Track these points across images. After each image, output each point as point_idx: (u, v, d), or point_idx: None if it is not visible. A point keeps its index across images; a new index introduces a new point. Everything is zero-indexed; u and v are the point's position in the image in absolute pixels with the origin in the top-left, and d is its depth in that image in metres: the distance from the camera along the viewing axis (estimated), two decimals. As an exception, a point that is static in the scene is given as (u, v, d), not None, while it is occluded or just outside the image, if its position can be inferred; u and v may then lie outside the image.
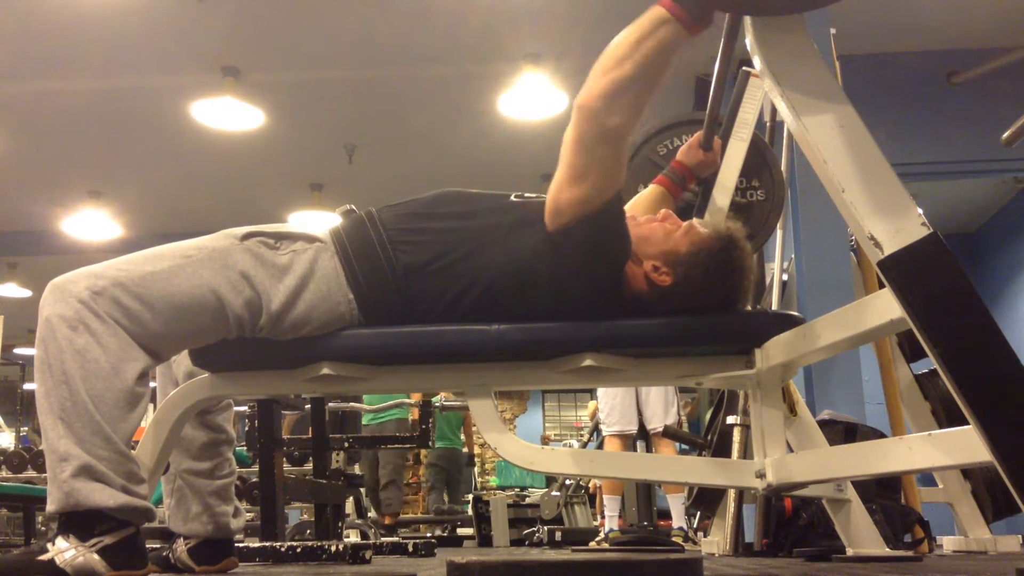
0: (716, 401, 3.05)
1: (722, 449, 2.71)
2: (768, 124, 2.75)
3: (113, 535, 1.40)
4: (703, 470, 1.77)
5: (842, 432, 2.76)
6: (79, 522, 1.39)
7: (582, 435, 7.52)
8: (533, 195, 1.69)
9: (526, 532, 6.23)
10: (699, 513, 3.77)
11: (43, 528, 8.09)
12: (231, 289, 1.51)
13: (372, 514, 6.39)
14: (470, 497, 8.10)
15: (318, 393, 2.80)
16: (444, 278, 1.58)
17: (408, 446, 7.97)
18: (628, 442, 4.20)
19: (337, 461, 3.67)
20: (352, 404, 4.60)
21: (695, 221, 1.68)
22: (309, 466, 4.21)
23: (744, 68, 2.25)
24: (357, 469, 5.42)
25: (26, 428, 9.81)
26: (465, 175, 7.56)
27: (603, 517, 4.62)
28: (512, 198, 1.67)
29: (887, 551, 2.01)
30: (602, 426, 4.29)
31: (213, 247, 1.54)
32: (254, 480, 3.69)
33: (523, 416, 15.30)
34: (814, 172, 1.21)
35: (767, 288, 3.28)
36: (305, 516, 5.98)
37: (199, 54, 5.65)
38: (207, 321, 1.52)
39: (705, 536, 3.23)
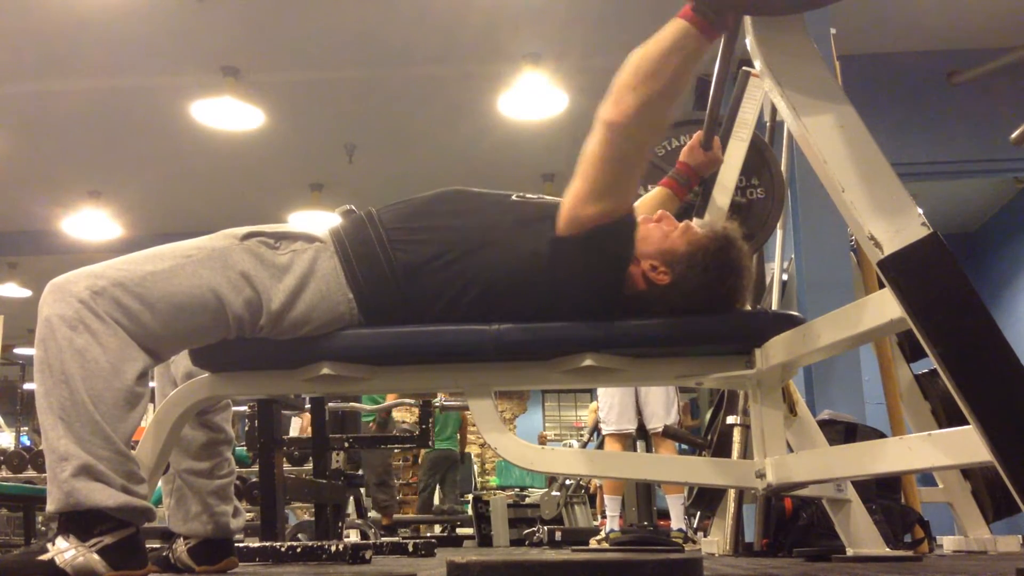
0: (716, 401, 3.05)
1: (722, 449, 2.71)
2: (768, 124, 2.75)
3: (113, 535, 1.40)
4: (703, 470, 1.77)
5: (842, 432, 2.75)
6: (79, 522, 1.39)
7: (582, 435, 7.52)
8: (534, 196, 1.69)
9: (526, 532, 6.24)
10: (699, 513, 3.77)
11: (43, 528, 8.09)
12: (231, 289, 1.51)
13: (372, 514, 6.40)
14: (470, 497, 8.12)
15: (318, 393, 2.80)
16: (443, 277, 1.58)
17: (408, 446, 8.02)
18: (628, 442, 4.20)
19: (337, 461, 3.67)
20: (352, 404, 4.60)
21: (691, 222, 1.68)
22: (308, 466, 4.21)
23: (744, 68, 2.25)
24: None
25: (26, 428, 9.81)
26: (465, 175, 7.55)
27: (603, 517, 4.62)
28: (513, 198, 1.67)
29: (887, 551, 2.01)
30: (602, 425, 4.29)
31: (213, 247, 1.54)
32: (254, 480, 3.69)
33: (523, 416, 15.30)
34: (814, 172, 1.21)
35: (767, 288, 3.28)
36: (302, 516, 5.97)
37: (199, 54, 5.65)
38: (207, 321, 1.53)
39: (705, 536, 3.23)
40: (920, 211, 1.11)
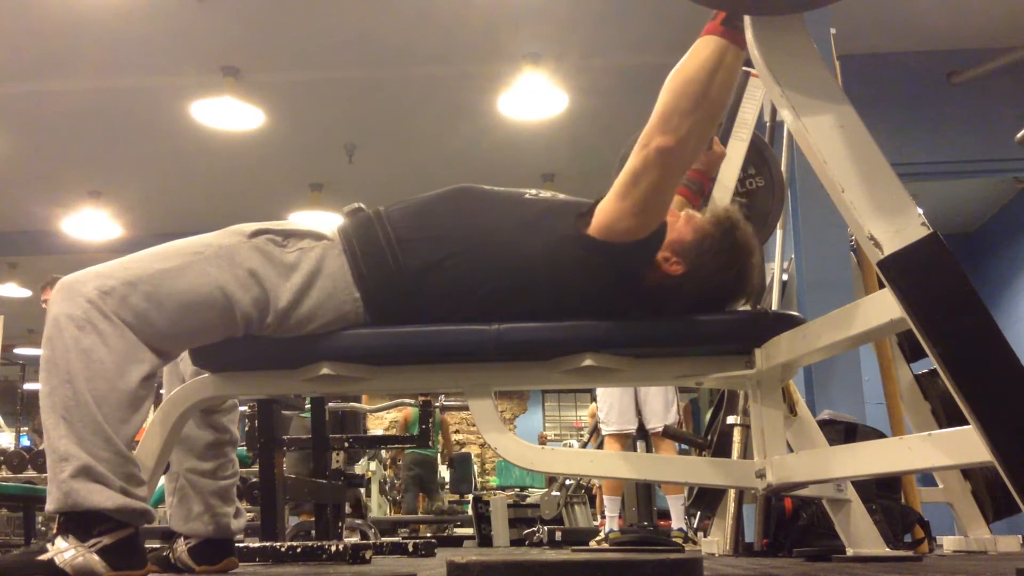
0: (716, 401, 3.05)
1: (722, 449, 2.71)
2: (768, 124, 2.75)
3: (112, 535, 1.40)
4: (703, 470, 1.77)
5: (842, 432, 2.75)
6: (78, 522, 1.39)
7: (582, 435, 7.52)
8: (548, 193, 1.69)
9: (526, 532, 6.23)
10: (699, 513, 3.77)
11: (43, 528, 8.09)
12: (239, 287, 1.51)
13: (373, 513, 6.40)
14: (470, 497, 8.14)
15: (318, 393, 2.79)
16: (452, 276, 1.57)
17: (408, 446, 8.05)
18: (627, 442, 4.20)
19: (337, 461, 3.67)
20: (352, 404, 4.60)
21: (690, 210, 1.68)
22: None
23: (744, 68, 2.24)
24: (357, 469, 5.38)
25: (26, 428, 9.81)
26: (465, 175, 7.49)
27: (603, 517, 4.62)
28: (526, 196, 1.66)
29: (887, 551, 2.01)
30: (601, 425, 4.29)
31: (221, 244, 1.54)
32: (254, 480, 3.70)
33: (523, 416, 15.30)
34: (814, 172, 1.21)
35: (767, 288, 3.28)
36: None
37: (199, 54, 5.65)
38: (215, 319, 1.53)
39: (705, 536, 3.23)
40: (920, 211, 1.11)
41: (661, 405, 4.16)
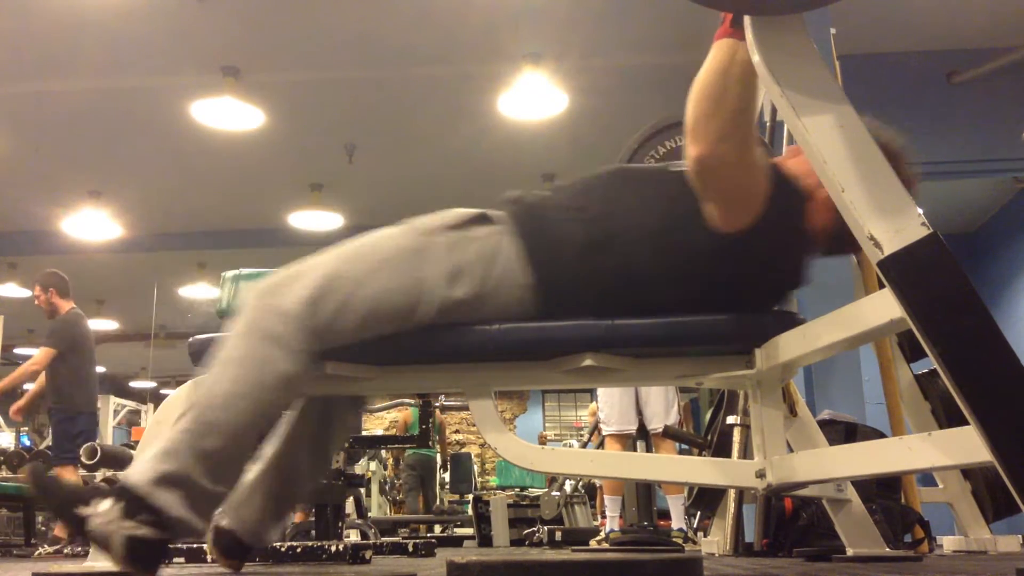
0: (716, 401, 3.05)
1: (722, 449, 2.71)
2: (768, 124, 2.75)
3: (152, 531, 1.37)
4: (703, 470, 1.77)
5: (842, 432, 2.75)
6: (137, 503, 1.37)
7: (582, 435, 7.52)
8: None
9: (526, 532, 6.23)
10: (699, 513, 3.77)
11: (43, 528, 8.10)
12: (425, 290, 1.52)
13: (373, 513, 6.40)
14: (470, 497, 8.15)
15: (320, 393, 2.79)
16: (618, 261, 1.56)
17: (408, 446, 8.06)
18: (628, 442, 4.20)
19: (337, 461, 3.67)
20: (352, 404, 4.59)
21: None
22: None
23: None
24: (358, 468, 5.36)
25: (26, 428, 9.80)
26: (465, 175, 7.57)
27: (603, 517, 4.62)
28: (672, 169, 1.65)
29: (887, 551, 2.01)
30: (602, 426, 4.29)
31: (406, 247, 1.55)
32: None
33: (523, 416, 15.31)
34: (814, 172, 1.21)
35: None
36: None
37: (199, 54, 5.66)
38: (396, 317, 1.53)
39: (705, 536, 3.23)
40: (920, 211, 1.11)
41: (661, 405, 4.16)
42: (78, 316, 5.72)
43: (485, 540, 6.71)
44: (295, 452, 1.78)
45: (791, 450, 1.70)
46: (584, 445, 6.40)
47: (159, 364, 11.59)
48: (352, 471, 4.55)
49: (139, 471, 1.37)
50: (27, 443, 9.10)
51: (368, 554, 2.45)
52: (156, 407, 1.74)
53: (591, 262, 1.56)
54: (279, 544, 2.36)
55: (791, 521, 2.63)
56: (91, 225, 7.84)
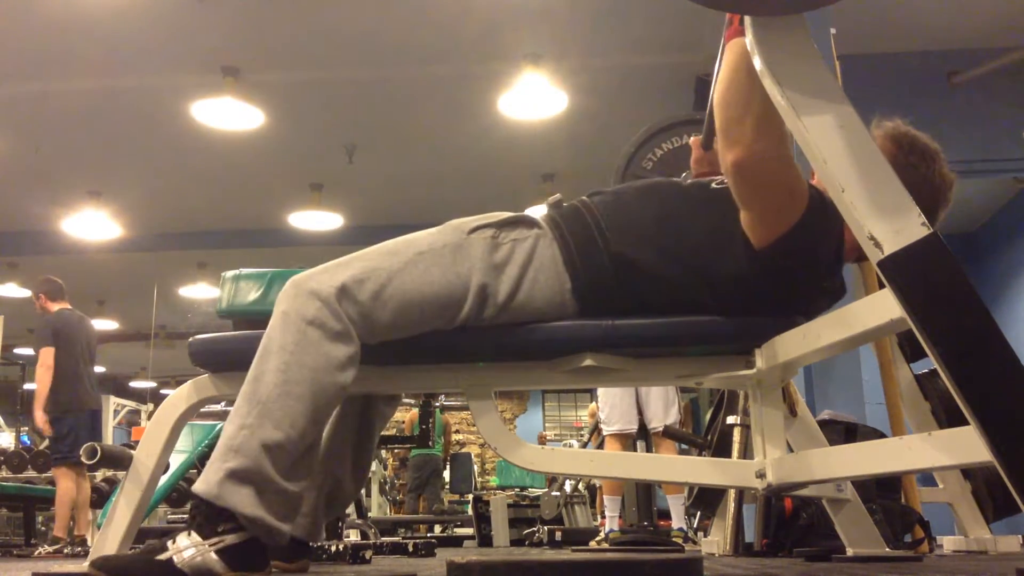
0: (716, 401, 3.05)
1: (722, 449, 2.71)
2: (768, 124, 2.75)
3: (237, 535, 1.38)
4: (703, 470, 1.77)
5: (842, 432, 2.75)
6: (209, 514, 1.38)
7: (582, 435, 7.53)
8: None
9: (526, 532, 6.23)
10: (699, 513, 3.77)
11: (43, 528, 8.10)
12: (462, 285, 1.52)
13: (373, 513, 6.39)
14: (470, 497, 8.16)
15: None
16: (658, 270, 1.56)
17: (408, 446, 8.06)
18: (628, 442, 4.20)
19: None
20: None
21: None
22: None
23: (744, 68, 2.24)
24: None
25: (26, 428, 9.81)
26: (465, 175, 7.57)
27: (603, 517, 4.62)
28: (713, 185, 1.65)
29: (887, 551, 2.01)
30: (602, 426, 4.29)
31: (444, 243, 1.55)
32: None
33: (523, 416, 15.31)
34: (814, 172, 1.21)
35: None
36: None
37: (199, 54, 5.66)
38: (433, 316, 1.54)
39: (705, 536, 3.23)
40: (920, 211, 1.11)
41: (662, 405, 4.16)
42: (61, 316, 5.68)
43: (485, 540, 6.72)
44: (338, 445, 1.79)
45: (791, 450, 1.71)
46: (584, 445, 6.40)
47: (159, 364, 11.59)
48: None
49: (206, 478, 1.38)
50: (27, 443, 9.11)
51: (368, 554, 2.45)
52: (156, 407, 1.74)
53: (623, 272, 1.56)
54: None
55: (791, 521, 2.63)
56: (91, 225, 7.84)
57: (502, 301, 1.54)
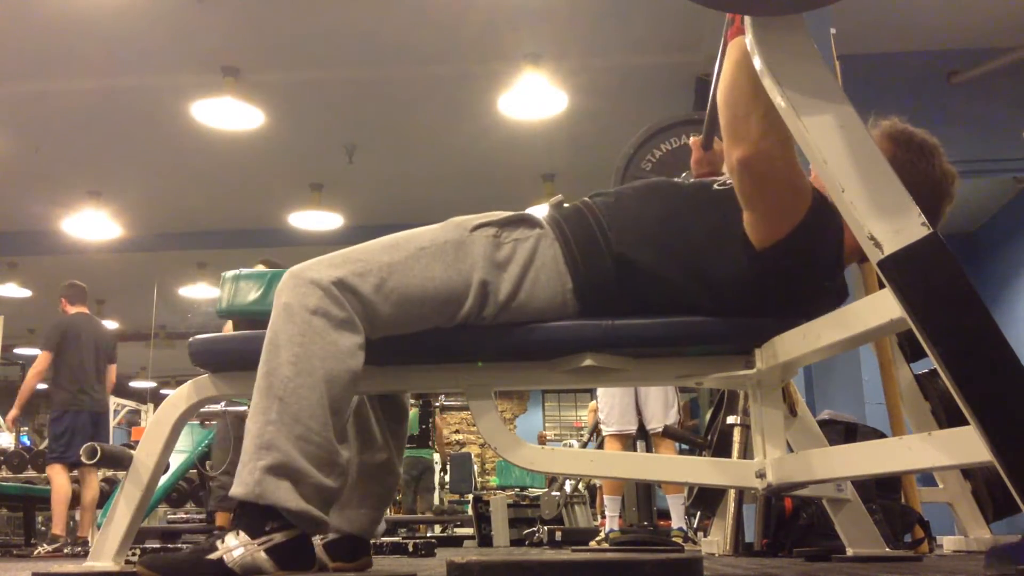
0: (716, 401, 3.05)
1: (722, 449, 2.71)
2: (768, 124, 2.75)
3: (284, 533, 1.38)
4: (703, 470, 1.77)
5: (842, 432, 2.75)
6: (254, 514, 1.38)
7: (582, 435, 7.53)
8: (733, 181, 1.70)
9: (526, 532, 6.23)
10: (699, 513, 3.77)
11: (43, 528, 8.10)
12: (462, 283, 1.52)
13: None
14: (470, 497, 8.16)
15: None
16: (660, 270, 1.57)
17: (408, 446, 8.06)
18: (628, 442, 4.20)
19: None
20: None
21: None
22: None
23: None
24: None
25: (26, 428, 9.82)
26: (465, 175, 7.57)
27: (603, 517, 4.62)
28: (715, 187, 1.65)
29: (887, 551, 2.01)
30: (602, 426, 4.29)
31: (446, 239, 1.55)
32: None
33: (523, 416, 15.31)
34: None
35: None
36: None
37: (199, 54, 5.66)
38: (433, 312, 1.54)
39: (705, 536, 3.23)
40: (920, 211, 1.11)
41: (661, 405, 4.16)
42: (68, 320, 5.71)
43: (485, 540, 6.72)
44: (370, 439, 1.79)
45: (791, 450, 1.70)
46: (584, 445, 6.41)
47: (159, 364, 11.59)
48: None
49: (242, 480, 1.38)
50: (27, 443, 9.11)
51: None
52: (156, 407, 1.74)
53: (624, 271, 1.56)
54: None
55: (791, 521, 2.63)
56: (91, 225, 7.84)
57: (503, 300, 1.54)
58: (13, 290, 9.56)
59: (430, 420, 4.67)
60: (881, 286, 1.14)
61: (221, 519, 4.74)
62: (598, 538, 4.32)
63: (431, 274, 1.51)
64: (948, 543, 2.95)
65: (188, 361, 1.69)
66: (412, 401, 5.25)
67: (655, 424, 4.12)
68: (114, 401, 10.52)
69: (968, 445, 1.04)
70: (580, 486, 6.70)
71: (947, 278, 1.06)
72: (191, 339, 1.69)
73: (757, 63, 1.23)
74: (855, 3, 4.23)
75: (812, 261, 1.54)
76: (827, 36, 3.15)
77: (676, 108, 5.36)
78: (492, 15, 5.25)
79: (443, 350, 1.61)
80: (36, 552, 5.19)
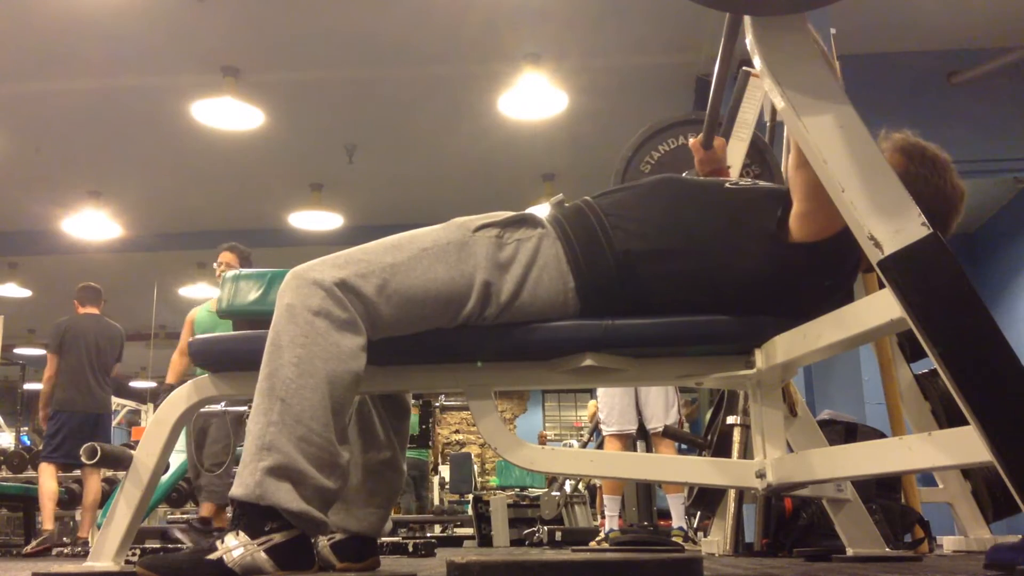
0: (716, 401, 3.05)
1: (722, 449, 2.71)
2: (768, 124, 2.75)
3: (284, 533, 1.39)
4: (703, 470, 1.76)
5: (842, 432, 2.76)
6: (253, 515, 1.38)
7: (582, 435, 7.53)
8: (747, 182, 1.68)
9: (526, 532, 6.24)
10: (699, 513, 3.77)
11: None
12: (466, 284, 1.52)
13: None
14: (470, 497, 8.17)
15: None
16: (661, 270, 1.57)
17: (409, 446, 8.07)
18: (628, 442, 4.20)
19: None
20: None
21: None
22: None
23: (744, 68, 2.25)
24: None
25: (26, 428, 9.81)
26: (465, 175, 7.57)
27: (603, 517, 4.62)
28: (726, 186, 1.66)
29: (887, 551, 2.01)
30: (602, 426, 4.29)
31: (448, 240, 1.55)
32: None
33: (523, 416, 15.30)
34: (814, 172, 1.21)
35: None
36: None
37: (199, 54, 5.66)
38: (435, 313, 1.54)
39: (705, 536, 3.23)
40: (920, 211, 1.11)
41: (661, 405, 4.16)
42: (67, 320, 5.73)
43: (485, 540, 6.72)
44: (374, 438, 1.79)
45: (791, 450, 1.71)
46: (584, 445, 6.41)
47: (159, 364, 11.57)
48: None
49: (243, 481, 1.38)
50: (27, 443, 9.11)
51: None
52: (156, 407, 1.74)
53: (627, 271, 1.56)
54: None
55: (791, 521, 2.63)
56: (91, 225, 7.84)
57: (505, 301, 1.54)
58: (13, 290, 9.56)
59: (430, 420, 4.66)
60: (881, 286, 1.14)
61: (207, 510, 4.72)
62: (598, 538, 4.32)
63: (433, 275, 1.51)
64: (948, 543, 2.95)
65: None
66: (412, 401, 5.24)
67: (655, 424, 4.12)
68: (114, 401, 10.53)
69: (968, 445, 1.04)
70: (580, 486, 6.70)
71: (947, 278, 1.06)
72: (191, 339, 1.70)
73: (757, 63, 1.23)
74: (855, 3, 4.24)
75: (848, 261, 1.55)
76: (827, 36, 3.15)
77: (676, 108, 5.36)
78: (492, 15, 5.25)
79: (443, 350, 1.61)
80: (26, 549, 5.21)
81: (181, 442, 4.64)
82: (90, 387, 5.62)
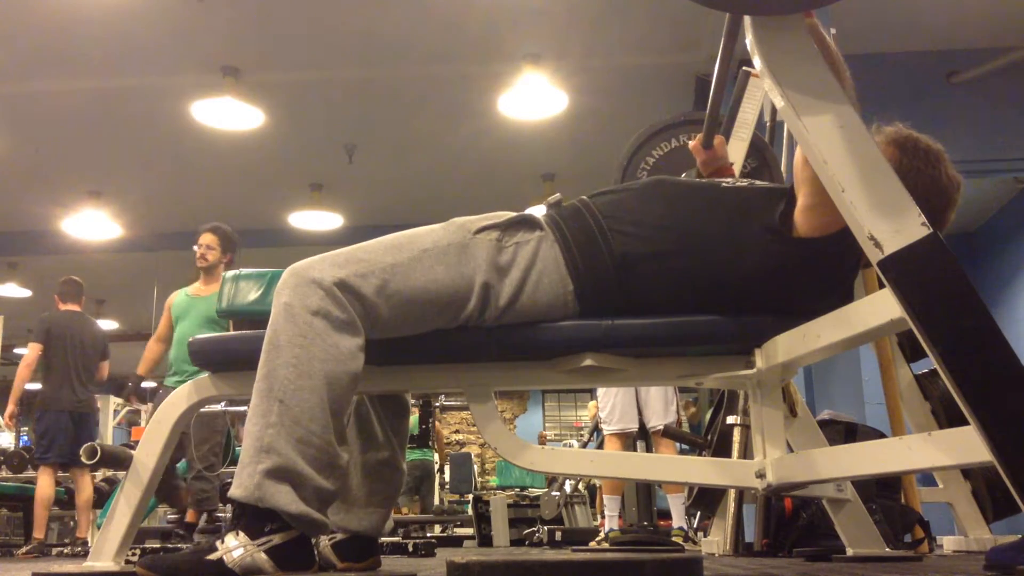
0: (716, 401, 3.05)
1: (722, 449, 2.71)
2: (768, 124, 2.75)
3: (283, 534, 1.39)
4: (703, 470, 1.77)
5: (842, 432, 2.75)
6: (253, 516, 1.39)
7: (582, 435, 7.53)
8: (744, 182, 1.68)
9: (526, 532, 6.23)
10: (699, 513, 3.77)
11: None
12: (464, 285, 1.52)
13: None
14: (470, 496, 8.16)
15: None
16: (659, 270, 1.56)
17: (409, 446, 8.06)
18: (628, 442, 4.20)
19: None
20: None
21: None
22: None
23: (744, 68, 2.25)
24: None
25: (26, 428, 9.80)
26: (465, 175, 7.57)
27: (603, 517, 4.62)
28: (723, 185, 1.66)
29: (887, 551, 2.01)
30: (602, 425, 4.29)
31: (449, 241, 1.55)
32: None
33: (523, 416, 15.29)
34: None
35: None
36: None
37: (199, 54, 5.66)
38: (434, 314, 1.54)
39: (705, 536, 3.23)
40: (920, 211, 1.11)
41: (661, 405, 4.16)
42: (51, 315, 5.65)
43: (485, 540, 6.71)
44: (372, 437, 1.79)
45: (791, 450, 1.71)
46: (584, 445, 6.41)
47: (159, 364, 11.57)
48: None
49: (242, 482, 1.38)
50: (27, 443, 9.10)
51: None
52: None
53: (626, 272, 1.56)
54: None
55: (791, 521, 2.63)
56: (91, 225, 7.84)
57: (504, 303, 1.54)
58: (13, 290, 9.56)
59: (430, 420, 4.66)
60: (881, 286, 1.14)
61: (192, 516, 4.71)
62: (598, 538, 4.31)
63: (433, 276, 1.51)
64: (948, 543, 2.96)
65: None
66: (412, 401, 5.23)
67: (655, 424, 4.12)
68: (114, 401, 10.52)
69: (968, 445, 1.04)
70: (580, 486, 6.70)
71: (947, 278, 1.06)
72: (191, 339, 1.70)
73: (757, 63, 1.23)
74: (855, 3, 4.24)
75: (849, 258, 1.55)
76: (827, 36, 3.15)
77: (676, 108, 5.36)
78: (492, 15, 5.25)
79: (443, 350, 1.61)
80: (19, 552, 5.21)
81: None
82: (74, 386, 5.58)
